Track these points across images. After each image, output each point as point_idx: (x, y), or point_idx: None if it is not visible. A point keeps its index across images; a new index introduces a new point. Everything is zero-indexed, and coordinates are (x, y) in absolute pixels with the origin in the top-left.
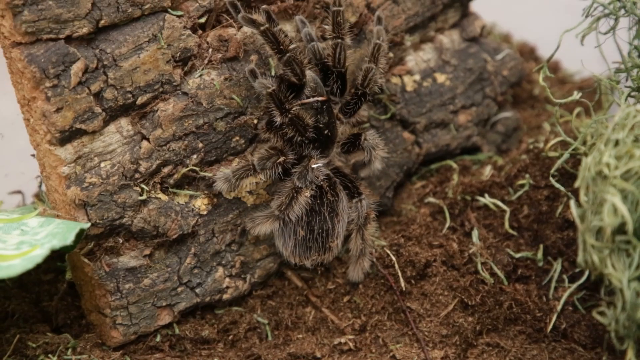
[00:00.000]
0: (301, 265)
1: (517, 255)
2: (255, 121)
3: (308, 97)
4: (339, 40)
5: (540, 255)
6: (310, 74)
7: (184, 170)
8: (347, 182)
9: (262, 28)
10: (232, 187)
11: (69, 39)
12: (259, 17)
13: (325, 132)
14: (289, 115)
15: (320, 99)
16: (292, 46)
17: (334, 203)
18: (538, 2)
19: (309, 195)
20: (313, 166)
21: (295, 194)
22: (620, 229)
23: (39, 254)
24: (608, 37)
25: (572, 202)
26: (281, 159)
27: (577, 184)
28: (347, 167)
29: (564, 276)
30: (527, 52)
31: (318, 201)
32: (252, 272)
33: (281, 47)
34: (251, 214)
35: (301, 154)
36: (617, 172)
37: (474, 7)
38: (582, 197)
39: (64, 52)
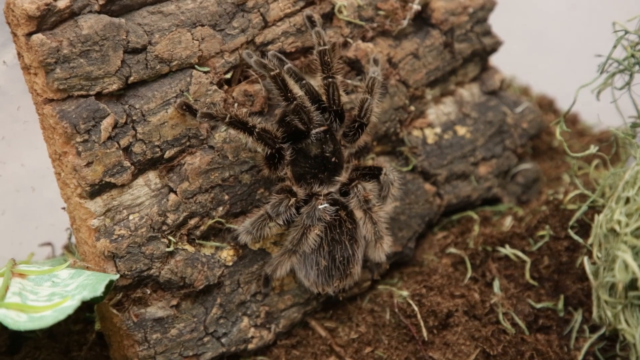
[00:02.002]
0: (325, 294)
1: (538, 306)
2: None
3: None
4: (330, 80)
5: (561, 305)
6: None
7: (210, 222)
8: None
9: (272, 73)
10: (255, 238)
11: (99, 95)
12: (270, 64)
13: (333, 159)
14: (258, 132)
15: (322, 129)
16: (299, 94)
17: (352, 230)
18: (557, 56)
19: (318, 232)
20: (320, 207)
21: (305, 231)
22: (632, 285)
23: (70, 305)
24: (624, 92)
25: (585, 259)
26: (292, 200)
27: (589, 241)
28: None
29: (585, 326)
30: (546, 105)
31: (338, 230)
32: (277, 322)
33: (289, 94)
34: (264, 261)
35: (312, 185)
36: (628, 229)
37: (493, 61)
38: (595, 254)
39: (94, 108)
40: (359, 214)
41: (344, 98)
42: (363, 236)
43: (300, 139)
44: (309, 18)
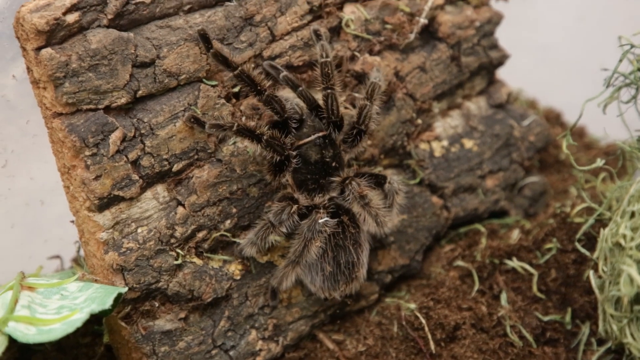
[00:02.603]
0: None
1: (546, 319)
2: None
3: (309, 135)
4: (329, 91)
5: (568, 318)
6: (307, 112)
7: (216, 234)
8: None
9: (236, 72)
10: (261, 249)
11: (107, 109)
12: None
13: (333, 164)
14: (266, 139)
15: (321, 134)
16: (268, 84)
17: (356, 235)
18: (563, 69)
19: (319, 244)
20: (320, 221)
21: (307, 244)
22: (638, 299)
23: (78, 318)
24: (630, 105)
25: (591, 273)
26: (294, 207)
27: (595, 255)
28: None
29: (592, 339)
30: (553, 118)
31: (341, 235)
32: (285, 334)
33: (259, 87)
34: (271, 274)
35: (314, 190)
36: (633, 243)
37: (500, 74)
38: (601, 268)
39: (103, 122)
40: (357, 209)
41: (350, 111)
42: (367, 240)
43: (285, 132)
44: (316, 32)
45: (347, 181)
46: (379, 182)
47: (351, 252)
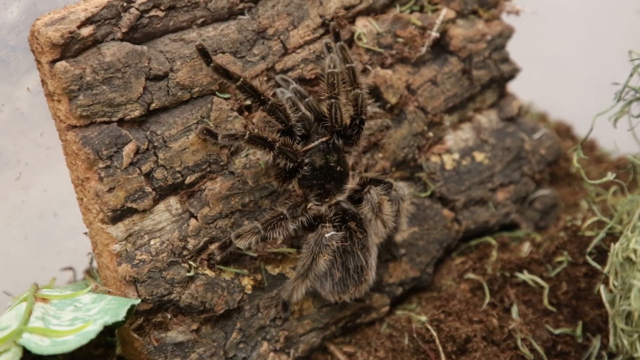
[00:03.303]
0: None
1: (557, 332)
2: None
3: (313, 141)
4: (333, 100)
5: (579, 331)
6: (308, 116)
7: (230, 247)
8: (354, 189)
9: (238, 83)
10: (263, 238)
11: (121, 122)
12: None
13: (338, 168)
14: (279, 147)
15: (324, 139)
16: (272, 95)
17: (363, 239)
18: (574, 82)
19: (327, 258)
20: (326, 235)
21: (315, 257)
22: None
23: (92, 329)
24: None
25: (602, 287)
26: (309, 204)
27: (606, 270)
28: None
29: (603, 352)
30: (564, 131)
31: (349, 242)
32: (296, 346)
33: (262, 97)
34: (282, 286)
35: (321, 195)
36: None
37: (511, 87)
38: (612, 282)
39: (116, 135)
40: (369, 215)
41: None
42: (375, 245)
43: (291, 140)
44: (327, 45)
45: (365, 189)
46: (384, 188)
47: (359, 257)
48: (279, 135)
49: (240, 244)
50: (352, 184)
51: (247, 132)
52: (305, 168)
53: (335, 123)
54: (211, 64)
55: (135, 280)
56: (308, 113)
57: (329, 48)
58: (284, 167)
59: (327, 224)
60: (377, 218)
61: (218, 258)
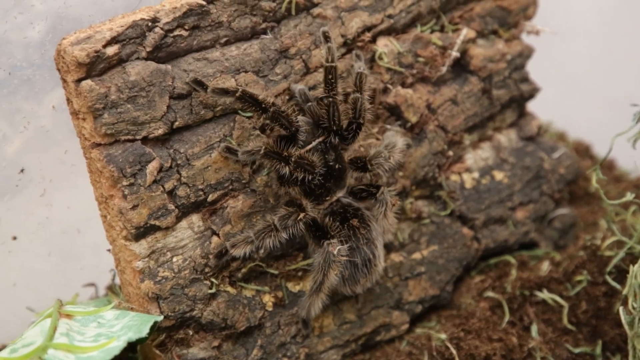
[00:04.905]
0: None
1: (576, 350)
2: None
3: (310, 142)
4: (331, 99)
5: (599, 350)
6: (303, 119)
7: (251, 264)
8: (363, 189)
9: (238, 94)
10: (256, 247)
11: (145, 140)
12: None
13: (337, 166)
14: (295, 161)
15: (320, 139)
16: (273, 102)
17: (368, 233)
18: (593, 101)
19: (337, 272)
20: (334, 252)
21: (325, 273)
22: None
23: (115, 346)
24: None
25: (620, 309)
26: (301, 215)
27: (625, 291)
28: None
29: None
30: (583, 151)
31: (354, 239)
32: None
33: (263, 105)
34: (298, 303)
35: (321, 195)
36: None
37: (530, 106)
38: (631, 304)
39: (140, 153)
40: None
41: (379, 142)
42: (380, 234)
43: (292, 143)
44: (324, 33)
45: (380, 190)
46: (370, 192)
47: (366, 251)
48: (294, 149)
49: (236, 252)
50: (350, 178)
51: (263, 147)
52: (311, 176)
53: (333, 124)
54: (208, 89)
55: (158, 296)
56: (307, 119)
57: (326, 37)
58: (305, 180)
59: (332, 240)
60: (383, 216)
61: (213, 265)
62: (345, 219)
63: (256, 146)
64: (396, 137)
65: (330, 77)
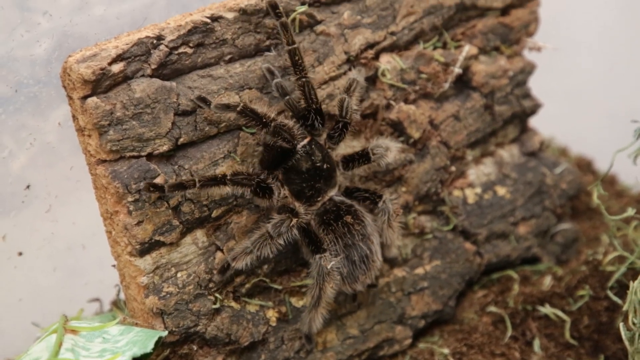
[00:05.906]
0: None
1: None
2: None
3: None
4: (304, 80)
5: None
6: (288, 122)
7: (255, 279)
8: (363, 194)
9: (239, 109)
10: (256, 258)
11: (150, 156)
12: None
13: (325, 166)
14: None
15: (306, 141)
16: (274, 117)
17: (362, 230)
18: (595, 117)
19: (333, 285)
20: (328, 266)
21: (321, 287)
22: None
23: None
24: None
25: (621, 325)
26: (293, 221)
27: (625, 307)
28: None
29: None
30: (585, 166)
31: (349, 236)
32: None
33: (264, 119)
34: (299, 319)
35: (312, 196)
36: None
37: (532, 122)
38: (631, 320)
39: (145, 169)
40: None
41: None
42: (375, 229)
43: (289, 157)
44: (270, 3)
45: (383, 199)
46: (374, 201)
47: (362, 247)
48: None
49: (237, 265)
50: (340, 175)
51: (255, 181)
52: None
53: (311, 102)
54: (212, 105)
55: (163, 312)
56: (281, 115)
57: (277, 14)
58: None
59: (324, 254)
60: (386, 225)
61: (217, 281)
62: (339, 217)
63: (249, 180)
64: (387, 141)
65: (296, 58)
